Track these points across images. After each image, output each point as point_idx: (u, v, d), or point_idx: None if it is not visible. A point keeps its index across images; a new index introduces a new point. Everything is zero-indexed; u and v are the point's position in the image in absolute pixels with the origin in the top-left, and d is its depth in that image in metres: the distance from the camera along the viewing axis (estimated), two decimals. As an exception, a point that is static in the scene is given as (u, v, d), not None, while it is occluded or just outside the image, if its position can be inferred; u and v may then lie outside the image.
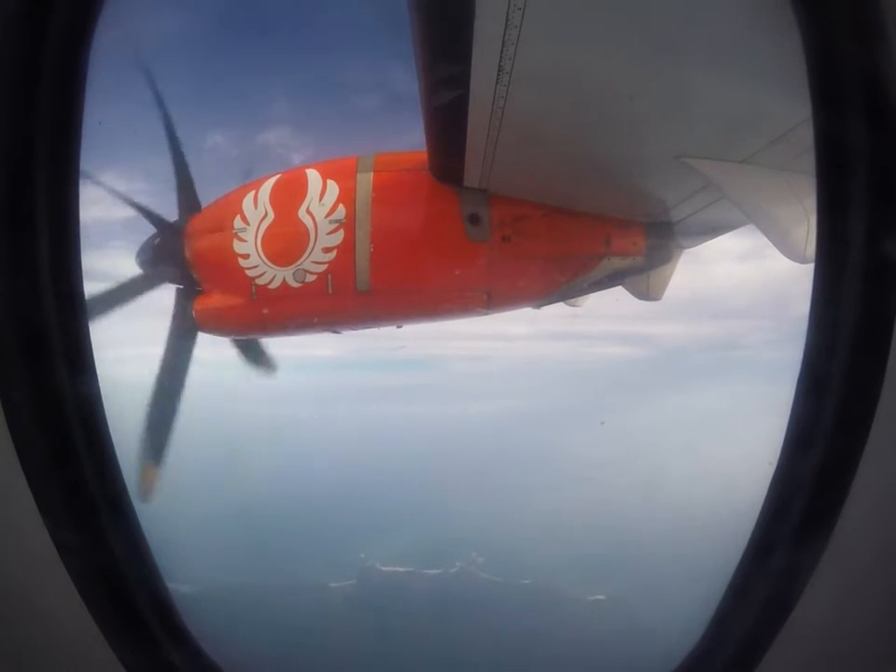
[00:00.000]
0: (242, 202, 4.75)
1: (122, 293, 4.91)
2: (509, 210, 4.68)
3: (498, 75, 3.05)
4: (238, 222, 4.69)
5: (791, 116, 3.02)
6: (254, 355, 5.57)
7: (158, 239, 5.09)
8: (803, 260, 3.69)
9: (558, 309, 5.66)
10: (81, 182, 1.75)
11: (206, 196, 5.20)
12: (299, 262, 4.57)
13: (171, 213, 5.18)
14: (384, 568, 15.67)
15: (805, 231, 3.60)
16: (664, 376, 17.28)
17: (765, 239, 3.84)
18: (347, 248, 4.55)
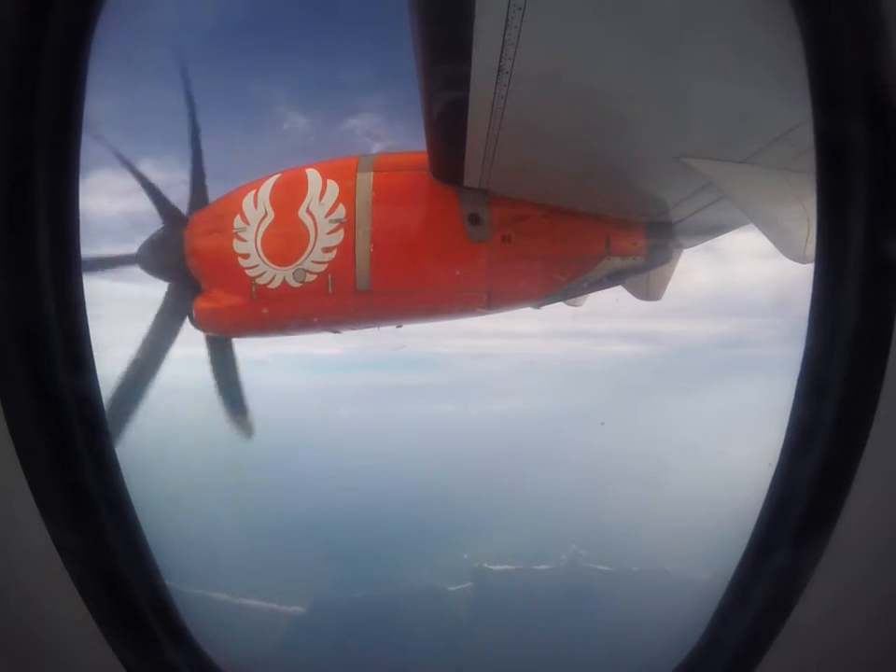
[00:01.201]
0: (242, 201, 4.75)
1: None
2: (509, 210, 4.68)
3: (498, 75, 3.05)
4: (238, 222, 4.69)
5: (791, 116, 3.02)
6: (235, 410, 5.50)
7: (158, 238, 5.09)
8: (803, 260, 3.69)
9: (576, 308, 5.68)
10: (81, 182, 1.75)
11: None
12: (299, 262, 4.57)
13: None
14: (495, 567, 15.21)
15: (805, 230, 3.60)
16: (670, 375, 17.22)
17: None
18: (347, 248, 4.55)
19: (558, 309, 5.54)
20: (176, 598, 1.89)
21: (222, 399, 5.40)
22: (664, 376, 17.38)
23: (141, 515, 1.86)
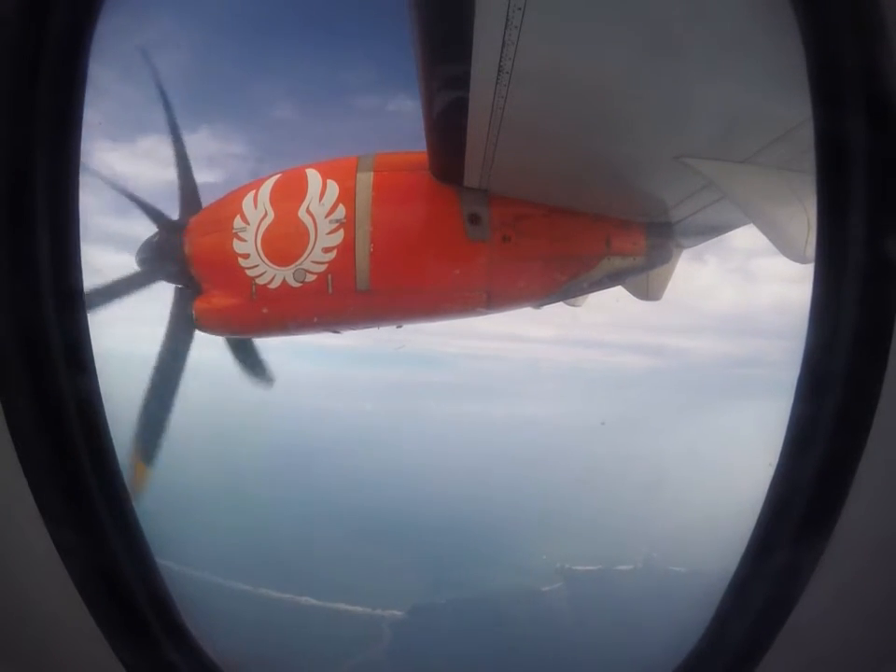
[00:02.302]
0: (242, 201, 4.75)
1: (120, 288, 4.91)
2: (509, 210, 4.68)
3: (498, 75, 3.05)
4: (238, 222, 4.69)
5: (791, 116, 3.02)
6: (250, 362, 5.53)
7: (158, 238, 5.09)
8: (803, 260, 3.69)
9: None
10: (81, 181, 1.75)
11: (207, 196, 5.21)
12: (299, 262, 4.57)
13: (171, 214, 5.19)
14: (579, 568, 14.97)
15: (805, 230, 3.60)
16: (678, 385, 17.14)
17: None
18: (347, 248, 4.55)
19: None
20: (176, 598, 1.89)
21: (236, 355, 5.42)
22: (678, 385, 17.25)
23: (141, 515, 1.86)
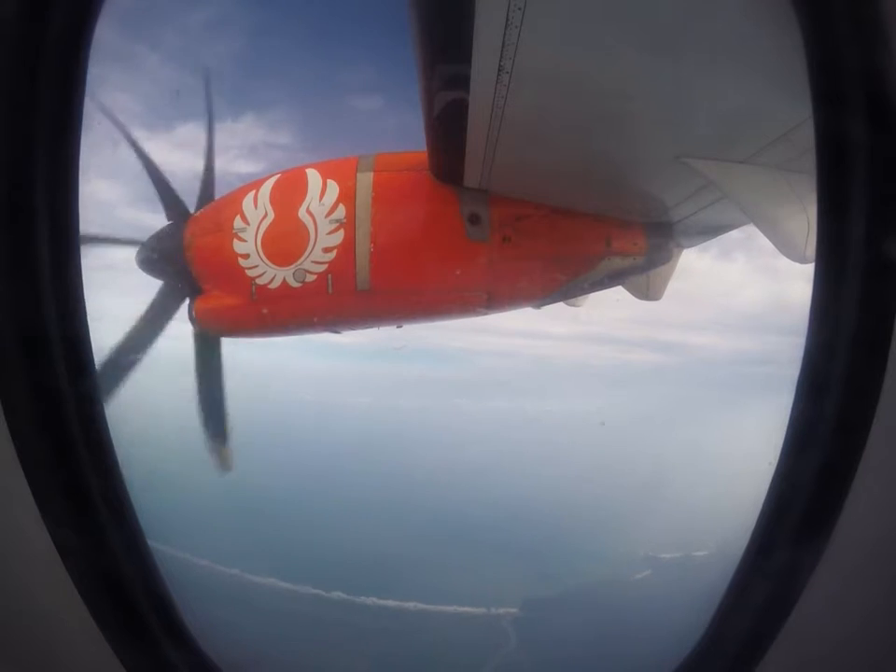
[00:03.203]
0: (242, 201, 4.75)
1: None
2: (509, 210, 4.67)
3: (498, 75, 3.05)
4: (238, 222, 4.69)
5: (791, 116, 3.02)
6: (217, 434, 5.31)
7: (158, 238, 5.10)
8: (803, 260, 3.69)
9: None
10: (81, 180, 1.75)
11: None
12: (299, 262, 4.57)
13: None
14: (666, 556, 14.78)
15: (805, 231, 3.60)
16: (688, 384, 17.07)
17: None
18: (347, 248, 4.55)
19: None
20: (176, 598, 1.89)
21: (203, 419, 5.18)
22: (688, 384, 17.19)
23: (141, 515, 1.86)
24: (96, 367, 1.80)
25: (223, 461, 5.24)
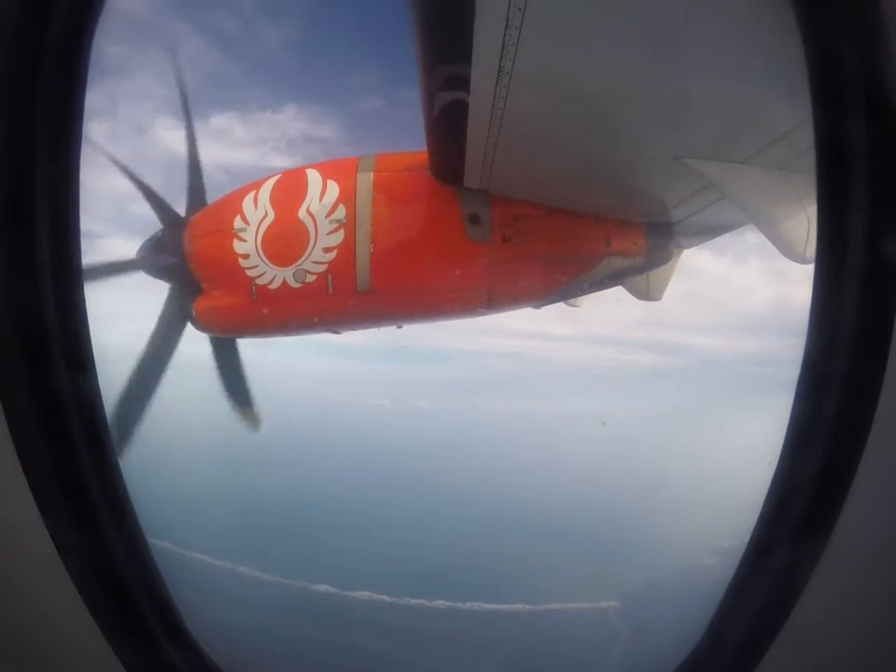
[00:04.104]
0: (242, 202, 4.75)
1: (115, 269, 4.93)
2: (509, 210, 4.67)
3: (499, 75, 3.05)
4: (238, 222, 4.69)
5: (791, 116, 3.02)
6: (241, 400, 5.51)
7: (158, 238, 5.10)
8: (803, 261, 3.69)
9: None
10: (82, 180, 1.75)
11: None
12: (299, 262, 4.57)
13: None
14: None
15: (805, 231, 3.60)
16: (691, 384, 17.09)
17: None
18: (347, 248, 4.55)
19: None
20: (176, 598, 1.89)
21: (226, 391, 5.42)
22: (691, 384, 17.20)
23: (141, 515, 1.86)
24: (96, 367, 1.80)
25: (252, 422, 5.54)
